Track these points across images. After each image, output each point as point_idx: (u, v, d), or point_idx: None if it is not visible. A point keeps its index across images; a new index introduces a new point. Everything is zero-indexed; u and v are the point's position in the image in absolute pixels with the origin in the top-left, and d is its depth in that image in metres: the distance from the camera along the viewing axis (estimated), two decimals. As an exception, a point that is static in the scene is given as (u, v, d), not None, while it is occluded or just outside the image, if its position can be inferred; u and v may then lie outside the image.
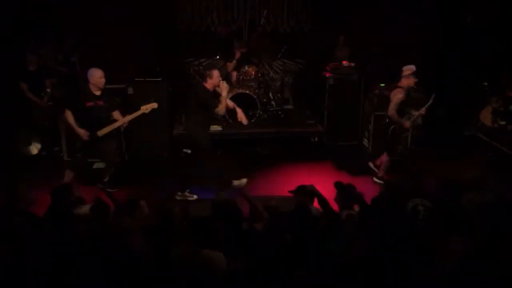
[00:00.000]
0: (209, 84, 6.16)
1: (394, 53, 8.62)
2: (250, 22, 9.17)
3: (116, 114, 6.26)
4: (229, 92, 8.28)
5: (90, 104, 6.04)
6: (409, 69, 6.56)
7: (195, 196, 6.46)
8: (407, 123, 6.58)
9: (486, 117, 7.99)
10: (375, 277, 3.26)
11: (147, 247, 3.70)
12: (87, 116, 6.04)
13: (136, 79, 7.87)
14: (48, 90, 7.70)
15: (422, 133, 8.27)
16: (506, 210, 4.00)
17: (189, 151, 7.85)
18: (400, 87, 6.55)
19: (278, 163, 7.67)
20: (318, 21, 9.17)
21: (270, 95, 8.84)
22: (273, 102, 8.80)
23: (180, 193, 6.42)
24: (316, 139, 8.39)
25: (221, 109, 6.19)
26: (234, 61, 8.61)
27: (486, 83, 6.66)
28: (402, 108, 6.57)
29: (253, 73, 8.56)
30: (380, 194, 4.71)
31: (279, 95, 9.01)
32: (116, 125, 6.17)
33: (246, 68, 8.56)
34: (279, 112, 8.77)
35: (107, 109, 6.18)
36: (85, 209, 4.50)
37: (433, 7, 8.90)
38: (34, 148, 7.86)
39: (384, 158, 6.86)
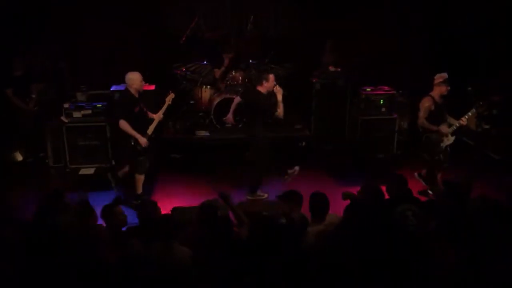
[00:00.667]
0: (263, 88, 6.24)
1: (380, 58, 8.71)
2: (238, 27, 9.19)
3: (148, 113, 6.55)
4: (216, 97, 8.37)
5: (137, 108, 6.25)
6: (441, 76, 6.53)
7: (265, 195, 6.55)
8: (444, 128, 6.51)
9: (470, 121, 8.09)
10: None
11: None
12: (137, 120, 6.25)
13: (123, 84, 7.81)
14: (33, 95, 7.62)
15: (407, 137, 8.40)
16: (491, 213, 4.06)
17: (178, 156, 7.86)
18: (430, 95, 6.54)
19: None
20: (305, 27, 9.22)
21: (258, 100, 8.84)
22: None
23: (251, 194, 6.47)
24: (304, 143, 8.42)
25: (280, 112, 6.28)
26: (223, 68, 8.62)
27: (470, 88, 6.75)
28: (435, 116, 6.53)
29: (240, 78, 8.57)
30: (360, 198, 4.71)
31: (266, 100, 9.01)
32: (156, 121, 6.43)
33: (234, 73, 8.56)
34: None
35: (145, 108, 6.47)
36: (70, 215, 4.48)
37: (419, 13, 9.00)
38: (19, 155, 7.77)
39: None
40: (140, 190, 6.46)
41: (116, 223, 4.30)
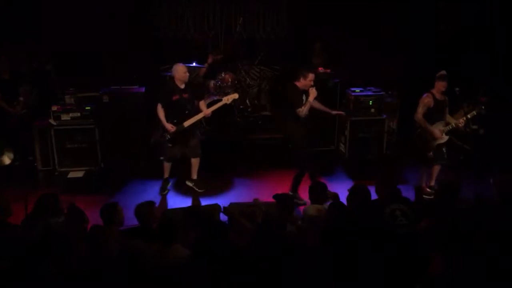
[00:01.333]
0: (300, 83, 6.19)
1: (368, 59, 8.76)
2: (226, 29, 9.19)
3: (201, 105, 6.71)
4: (205, 99, 8.35)
5: (176, 97, 6.42)
6: (439, 73, 6.54)
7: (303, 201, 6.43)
8: (437, 132, 6.47)
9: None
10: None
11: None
12: (174, 109, 6.45)
13: (112, 87, 7.80)
14: (21, 98, 7.55)
15: (396, 138, 8.45)
16: (481, 212, 4.10)
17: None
18: (431, 92, 6.53)
19: (256, 169, 7.69)
20: (294, 28, 9.25)
21: (247, 101, 8.86)
22: (250, 109, 8.82)
23: (291, 193, 6.39)
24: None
25: (302, 111, 6.15)
26: (206, 65, 8.61)
27: (457, 89, 6.80)
28: (434, 113, 6.51)
29: (230, 80, 8.56)
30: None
31: (256, 101, 9.04)
32: (200, 116, 6.55)
33: (223, 75, 8.56)
34: (256, 119, 8.79)
35: (191, 101, 6.57)
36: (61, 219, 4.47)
37: (407, 15, 9.06)
38: (7, 158, 7.68)
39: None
40: (166, 174, 6.82)
41: (116, 222, 4.34)
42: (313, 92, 6.17)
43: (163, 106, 6.45)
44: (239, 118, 8.39)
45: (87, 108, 7.52)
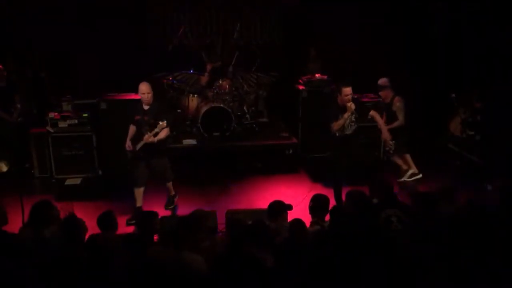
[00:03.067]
0: (339, 99, 6.10)
1: (363, 65, 8.79)
2: (223, 36, 9.22)
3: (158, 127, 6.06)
4: (203, 105, 8.37)
5: (137, 117, 6.23)
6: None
7: None
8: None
9: (455, 127, 8.19)
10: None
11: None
12: (136, 129, 6.25)
13: (109, 94, 7.81)
14: (18, 105, 7.55)
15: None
16: (476, 218, 4.10)
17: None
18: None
19: (253, 176, 7.69)
20: (290, 35, 9.29)
21: (245, 108, 8.87)
22: (247, 115, 8.84)
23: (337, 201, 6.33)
24: (291, 151, 8.44)
25: (336, 126, 6.05)
26: (207, 74, 8.64)
27: (454, 95, 6.84)
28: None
29: (227, 86, 8.58)
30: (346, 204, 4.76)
31: (253, 108, 9.06)
32: (144, 140, 6.04)
33: (220, 81, 8.57)
34: (254, 125, 8.81)
35: (148, 123, 6.10)
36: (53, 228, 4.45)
37: (400, 20, 9.11)
38: (3, 166, 7.68)
39: None
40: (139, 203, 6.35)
41: (113, 229, 4.35)
42: (349, 108, 6.00)
43: (131, 125, 6.30)
44: (236, 124, 8.40)
45: (84, 115, 7.53)
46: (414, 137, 8.67)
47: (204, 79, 8.60)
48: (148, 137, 6.00)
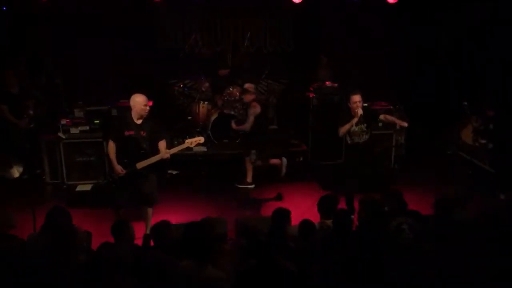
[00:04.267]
0: (349, 106, 6.17)
1: (373, 74, 8.77)
2: (234, 43, 9.26)
3: (161, 145, 5.55)
4: (213, 112, 8.39)
5: (129, 133, 5.45)
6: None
7: None
8: None
9: (467, 136, 8.14)
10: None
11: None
12: (126, 147, 5.49)
13: (120, 101, 7.86)
14: (31, 111, 7.62)
15: (404, 152, 8.42)
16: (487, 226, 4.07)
17: (175, 172, 7.83)
18: None
19: (263, 183, 7.68)
20: (300, 42, 9.31)
21: (255, 115, 8.87)
22: (257, 123, 8.83)
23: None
24: (301, 158, 8.42)
25: (341, 131, 6.12)
26: (209, 81, 8.69)
27: (466, 103, 6.80)
28: None
29: (237, 93, 8.60)
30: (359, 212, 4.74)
31: (263, 115, 9.05)
32: (157, 158, 5.45)
33: (231, 89, 8.60)
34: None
35: (148, 139, 5.50)
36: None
37: (409, 28, 9.09)
38: (16, 171, 7.72)
39: None
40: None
41: (126, 239, 4.28)
42: (356, 114, 6.04)
43: (114, 142, 5.53)
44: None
45: (95, 121, 7.58)
46: (425, 145, 8.67)
47: (206, 85, 8.60)
48: (165, 154, 5.43)
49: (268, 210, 6.50)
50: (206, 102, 8.60)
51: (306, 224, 4.31)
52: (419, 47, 9.17)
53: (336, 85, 8.61)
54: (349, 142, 6.17)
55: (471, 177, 7.64)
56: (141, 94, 5.52)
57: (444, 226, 4.10)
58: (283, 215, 4.61)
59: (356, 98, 6.05)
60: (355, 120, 6.04)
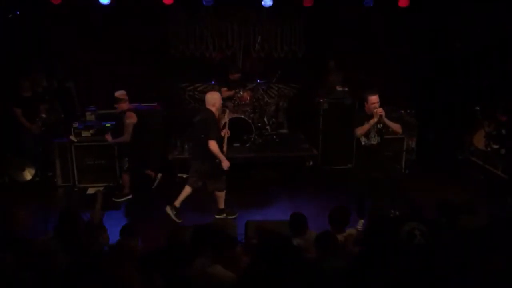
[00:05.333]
0: (367, 108, 6.06)
1: (384, 78, 8.74)
2: (245, 48, 9.28)
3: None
4: (224, 116, 8.39)
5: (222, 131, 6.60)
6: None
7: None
8: None
9: (479, 141, 8.07)
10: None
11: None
12: (221, 143, 6.48)
13: (131, 104, 7.89)
14: (43, 115, 7.69)
15: (415, 157, 8.37)
16: (499, 232, 4.03)
17: (185, 176, 7.83)
18: None
19: (273, 187, 7.68)
20: (311, 46, 9.30)
21: (265, 119, 8.88)
22: (268, 127, 8.84)
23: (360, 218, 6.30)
24: (311, 163, 8.40)
25: (359, 132, 6.01)
26: (227, 87, 8.69)
27: (478, 108, 6.74)
28: None
29: (248, 98, 8.61)
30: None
31: (273, 119, 9.05)
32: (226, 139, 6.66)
33: (241, 93, 8.61)
34: (274, 137, 8.80)
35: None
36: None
37: (423, 34, 9.05)
38: (28, 174, 7.81)
39: None
40: (222, 205, 6.59)
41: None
42: (375, 114, 5.90)
43: (216, 141, 6.27)
44: (256, 135, 8.41)
45: (107, 125, 7.62)
46: (436, 150, 8.61)
47: (225, 92, 8.62)
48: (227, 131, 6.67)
49: (276, 214, 6.54)
50: (216, 106, 8.60)
51: (325, 235, 4.24)
52: (431, 52, 9.12)
53: (346, 89, 8.59)
54: (363, 143, 6.11)
55: (483, 182, 7.58)
56: (215, 91, 6.49)
57: (448, 231, 4.06)
58: (301, 220, 4.60)
59: (374, 98, 5.97)
60: (375, 120, 5.95)
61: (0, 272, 3.50)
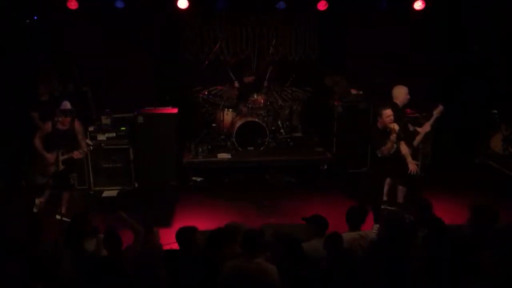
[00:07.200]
0: (380, 123, 6.03)
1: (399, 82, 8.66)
2: (259, 51, 9.29)
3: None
4: (238, 120, 8.41)
5: None
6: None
7: None
8: None
9: (496, 144, 7.97)
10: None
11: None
12: None
13: (146, 108, 7.96)
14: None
15: (430, 161, 8.27)
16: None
17: (199, 179, 7.87)
18: None
19: (288, 191, 7.65)
20: (325, 50, 9.28)
21: (279, 123, 8.88)
22: (282, 130, 8.83)
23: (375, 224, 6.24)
24: (325, 166, 8.36)
25: (385, 152, 5.96)
26: (236, 88, 8.72)
27: (495, 111, 6.66)
28: None
29: (262, 101, 8.61)
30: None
31: (287, 123, 9.04)
32: (423, 134, 6.39)
33: (255, 96, 8.62)
34: (288, 140, 8.79)
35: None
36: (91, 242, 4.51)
37: (440, 36, 8.96)
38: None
39: None
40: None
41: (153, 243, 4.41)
42: (393, 130, 5.85)
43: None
44: (270, 139, 8.40)
45: (122, 128, 7.68)
46: (453, 154, 8.50)
47: (235, 92, 8.62)
48: (428, 127, 6.41)
49: (291, 217, 6.51)
50: (230, 110, 8.63)
51: (333, 236, 4.24)
52: (449, 55, 9.02)
53: (361, 92, 8.54)
54: (379, 155, 6.03)
55: (500, 186, 7.46)
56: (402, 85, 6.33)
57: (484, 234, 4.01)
58: (323, 223, 4.59)
59: (388, 112, 5.91)
60: (394, 136, 5.88)
61: (10, 280, 3.54)
